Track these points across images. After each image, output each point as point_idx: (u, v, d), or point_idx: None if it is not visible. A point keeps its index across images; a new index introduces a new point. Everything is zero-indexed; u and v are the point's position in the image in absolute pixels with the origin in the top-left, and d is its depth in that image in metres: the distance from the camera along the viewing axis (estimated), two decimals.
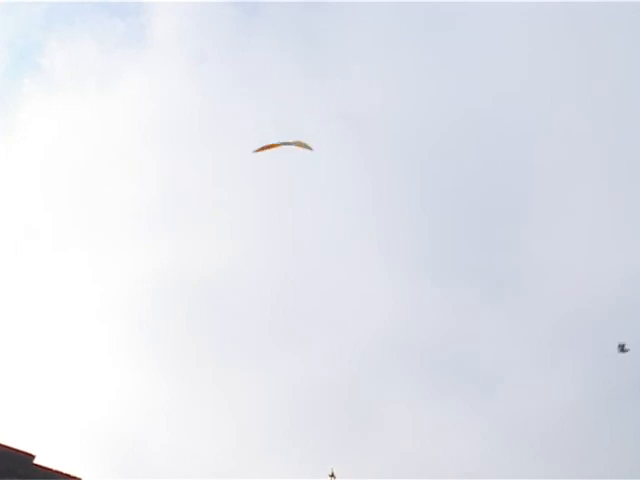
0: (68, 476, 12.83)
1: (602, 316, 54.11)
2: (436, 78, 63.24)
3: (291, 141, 18.41)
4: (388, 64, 62.42)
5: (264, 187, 64.42)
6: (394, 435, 51.86)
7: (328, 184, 63.83)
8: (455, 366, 57.19)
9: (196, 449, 55.01)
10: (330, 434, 49.50)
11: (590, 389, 54.51)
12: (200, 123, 64.65)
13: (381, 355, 55.80)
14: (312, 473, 43.80)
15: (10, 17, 55.66)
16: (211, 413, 57.44)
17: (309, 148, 18.47)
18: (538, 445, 51.44)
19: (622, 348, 35.65)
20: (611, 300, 54.19)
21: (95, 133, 62.47)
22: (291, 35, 62.37)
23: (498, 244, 62.53)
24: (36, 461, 12.63)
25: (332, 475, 37.13)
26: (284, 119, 62.98)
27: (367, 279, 60.83)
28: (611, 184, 58.95)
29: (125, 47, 65.04)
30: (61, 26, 61.95)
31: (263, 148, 18.60)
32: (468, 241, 62.28)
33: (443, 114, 62.14)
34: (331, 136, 61.37)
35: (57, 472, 12.77)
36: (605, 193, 59.17)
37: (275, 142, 18.45)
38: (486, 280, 62.38)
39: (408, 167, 63.70)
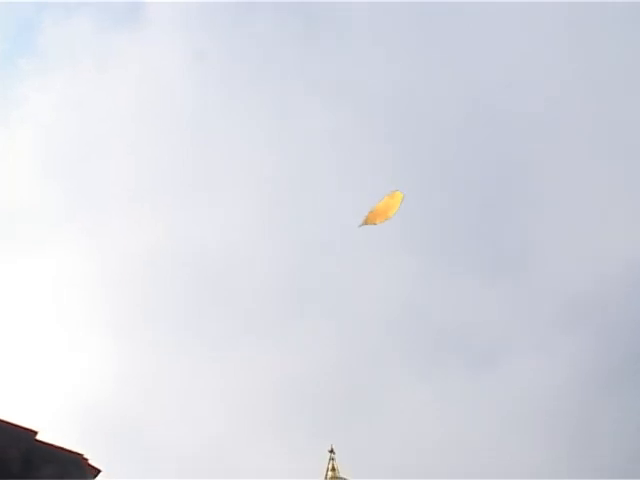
0: (71, 452, 12.95)
1: (605, 297, 54.30)
2: (439, 57, 63.13)
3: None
4: (391, 53, 62.24)
5: (262, 166, 64.45)
6: (394, 413, 52.17)
7: (328, 166, 63.81)
8: (456, 344, 57.47)
9: (196, 425, 55.26)
10: (331, 412, 49.81)
11: (591, 370, 54.79)
12: (197, 102, 64.46)
13: (382, 333, 56.06)
14: (312, 449, 44.06)
15: None
16: (211, 389, 57.71)
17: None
18: (538, 424, 51.79)
19: None
20: (615, 281, 54.36)
21: (92, 112, 62.27)
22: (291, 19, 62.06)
23: (502, 222, 62.63)
24: (39, 437, 12.75)
25: (331, 451, 37.38)
26: (283, 103, 62.76)
27: (368, 258, 60.89)
28: (616, 167, 58.96)
29: (121, 26, 64.75)
30: (56, 5, 61.62)
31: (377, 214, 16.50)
32: (471, 218, 62.38)
33: (445, 95, 62.09)
34: (331, 122, 61.25)
35: (60, 448, 12.88)
36: (610, 177, 59.23)
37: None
38: (488, 258, 62.56)
39: (409, 147, 63.70)
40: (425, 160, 63.20)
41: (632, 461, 43.94)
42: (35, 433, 12.61)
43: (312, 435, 46.14)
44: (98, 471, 13.13)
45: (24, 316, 55.78)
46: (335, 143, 61.86)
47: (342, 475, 36.52)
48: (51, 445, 12.74)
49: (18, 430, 12.44)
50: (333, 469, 36.66)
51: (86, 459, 13.03)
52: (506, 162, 62.11)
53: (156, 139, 63.84)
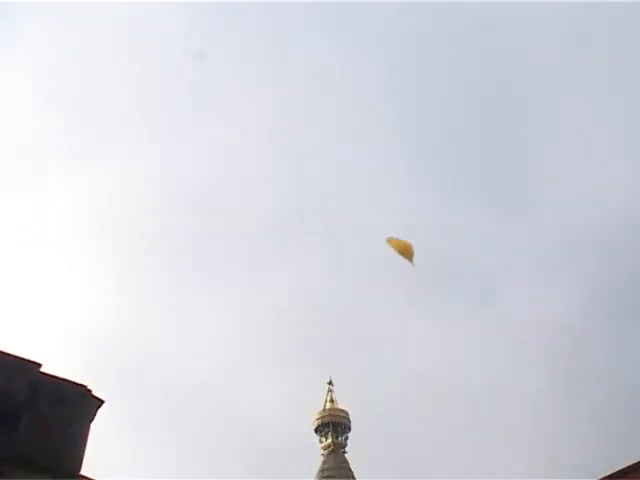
0: (75, 383, 13.15)
1: (605, 231, 54.54)
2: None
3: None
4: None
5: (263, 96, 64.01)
6: (394, 345, 52.80)
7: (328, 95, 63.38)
8: (457, 277, 57.85)
9: (196, 357, 55.92)
10: (330, 345, 50.43)
11: (588, 304, 55.30)
12: (195, 31, 63.68)
13: (383, 266, 56.29)
14: (311, 380, 44.66)
15: None
16: (212, 322, 58.25)
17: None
18: (537, 355, 52.46)
19: None
20: (615, 219, 54.56)
21: (92, 52, 61.62)
22: None
23: (504, 157, 62.51)
24: (43, 369, 12.96)
25: (330, 382, 37.98)
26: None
27: (368, 190, 60.89)
28: (619, 114, 58.60)
29: None
30: None
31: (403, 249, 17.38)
32: (473, 153, 62.25)
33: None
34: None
35: (63, 379, 13.09)
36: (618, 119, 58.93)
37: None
38: (489, 194, 62.61)
39: (412, 76, 63.20)
40: (427, 88, 62.86)
41: (629, 405, 44.74)
42: (39, 365, 12.83)
43: (311, 367, 46.82)
44: (101, 402, 13.37)
45: (26, 250, 56.09)
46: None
47: (341, 406, 37.16)
48: (55, 377, 12.96)
49: (23, 362, 12.66)
50: (332, 400, 37.26)
51: (90, 390, 13.26)
52: (521, 96, 61.90)
53: (155, 68, 63.43)
